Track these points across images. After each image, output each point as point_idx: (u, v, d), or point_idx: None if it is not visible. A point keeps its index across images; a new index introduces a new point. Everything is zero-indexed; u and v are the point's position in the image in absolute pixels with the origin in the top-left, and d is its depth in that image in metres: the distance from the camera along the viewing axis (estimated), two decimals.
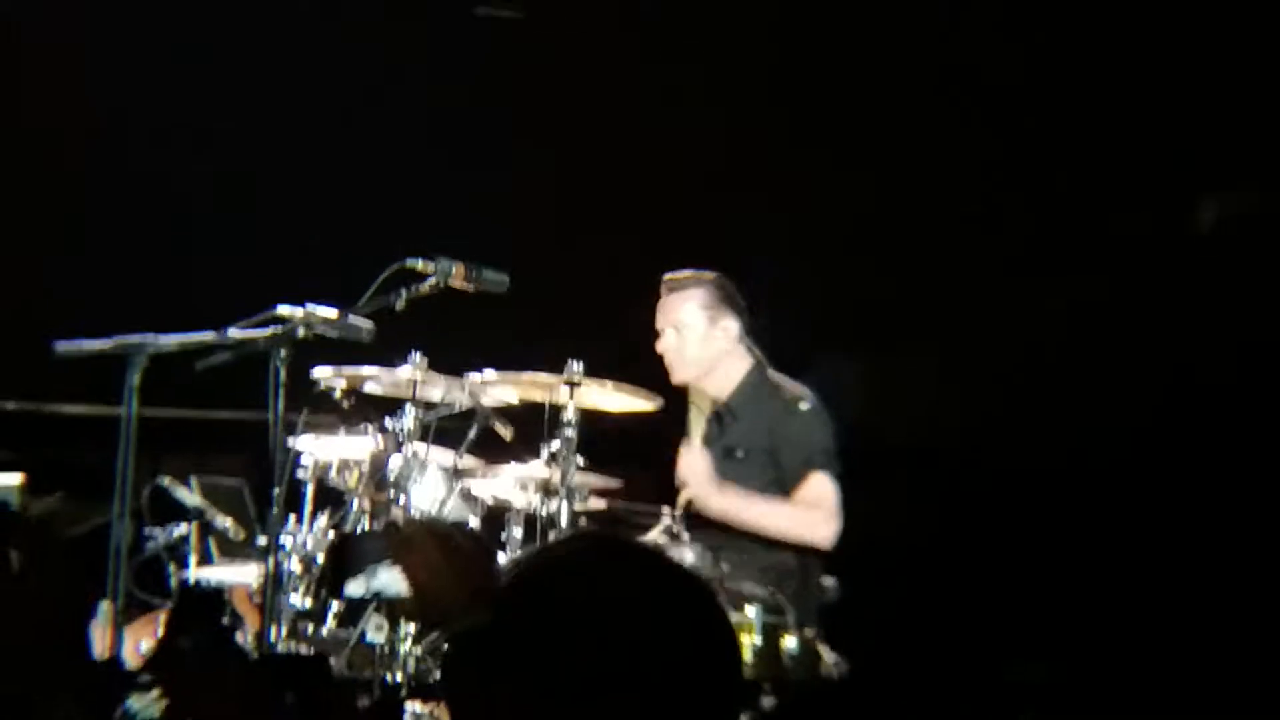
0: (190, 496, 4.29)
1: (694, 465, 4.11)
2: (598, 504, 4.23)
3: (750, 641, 3.84)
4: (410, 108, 5.57)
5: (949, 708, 4.54)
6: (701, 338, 4.26)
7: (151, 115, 5.46)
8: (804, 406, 4.21)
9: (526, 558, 1.96)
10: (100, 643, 3.71)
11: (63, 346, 4.02)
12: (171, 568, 4.20)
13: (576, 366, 4.11)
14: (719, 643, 1.63)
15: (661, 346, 4.29)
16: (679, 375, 4.29)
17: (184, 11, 5.49)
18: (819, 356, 4.37)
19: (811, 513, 4.10)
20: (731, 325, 4.28)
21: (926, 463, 5.12)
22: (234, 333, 3.97)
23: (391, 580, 3.77)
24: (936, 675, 4.50)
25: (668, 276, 4.33)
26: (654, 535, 4.11)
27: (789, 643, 3.83)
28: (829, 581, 4.19)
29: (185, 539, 4.23)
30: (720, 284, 4.30)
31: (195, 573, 4.21)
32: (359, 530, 4.04)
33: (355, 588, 3.88)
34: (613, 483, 4.24)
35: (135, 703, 3.49)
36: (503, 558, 4.14)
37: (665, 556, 1.77)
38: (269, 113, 5.45)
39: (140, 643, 4.07)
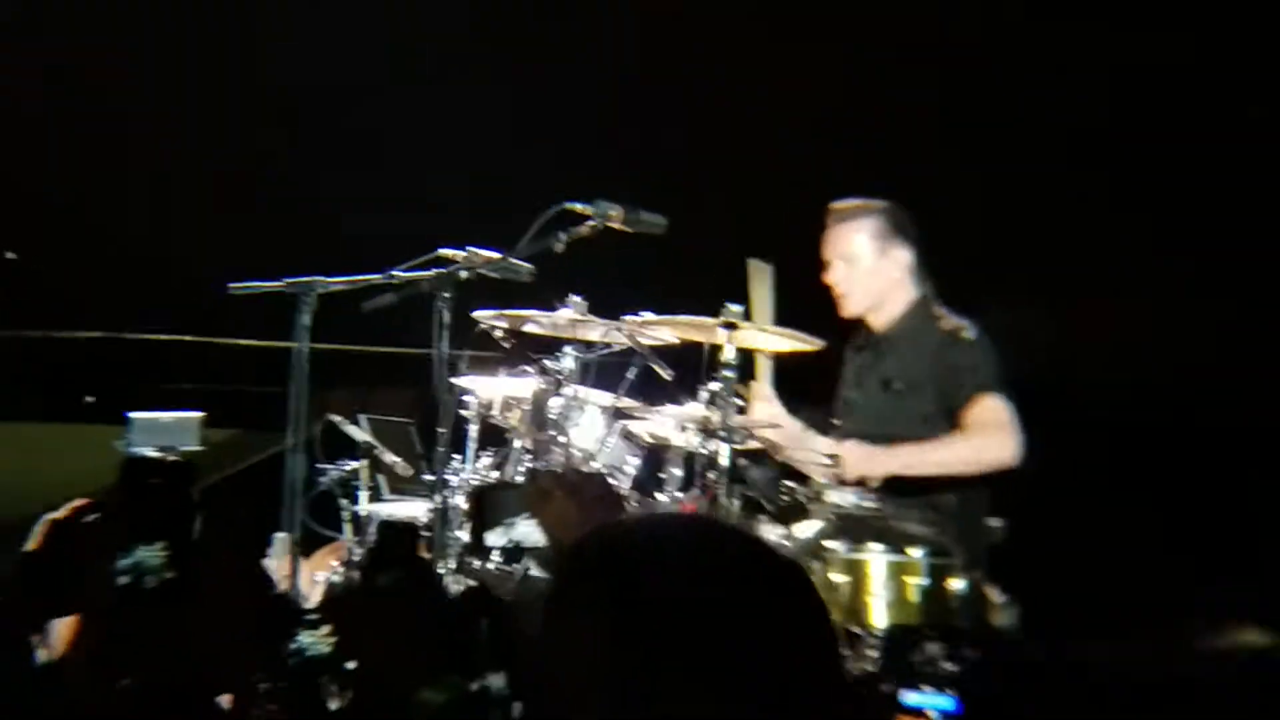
0: (360, 433, 4.21)
1: (851, 451, 3.84)
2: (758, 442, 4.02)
3: (916, 583, 3.62)
4: (567, 54, 5.35)
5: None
6: (871, 269, 4.01)
7: (310, 66, 5.34)
8: (968, 335, 3.94)
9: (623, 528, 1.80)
10: (277, 575, 3.65)
11: (235, 286, 3.95)
12: (343, 502, 4.12)
13: (735, 308, 3.90)
14: (812, 644, 1.43)
15: (830, 278, 4.05)
16: (849, 308, 4.06)
17: None
18: (986, 302, 4.04)
19: (989, 435, 3.82)
20: (903, 255, 4.02)
21: (1100, 403, 4.78)
22: (399, 274, 3.87)
23: (527, 530, 3.65)
24: (1109, 619, 4.21)
25: (835, 206, 4.07)
26: (815, 471, 3.90)
27: (956, 584, 3.61)
28: (995, 522, 3.93)
29: (356, 474, 4.16)
30: (891, 212, 4.03)
31: (366, 507, 4.13)
32: (497, 480, 3.92)
33: (493, 538, 3.79)
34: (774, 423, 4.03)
35: (307, 638, 3.41)
36: (661, 497, 3.99)
37: (763, 544, 1.56)
38: (427, 58, 5.29)
39: (315, 575, 4.02)
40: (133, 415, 4.29)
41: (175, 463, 4.17)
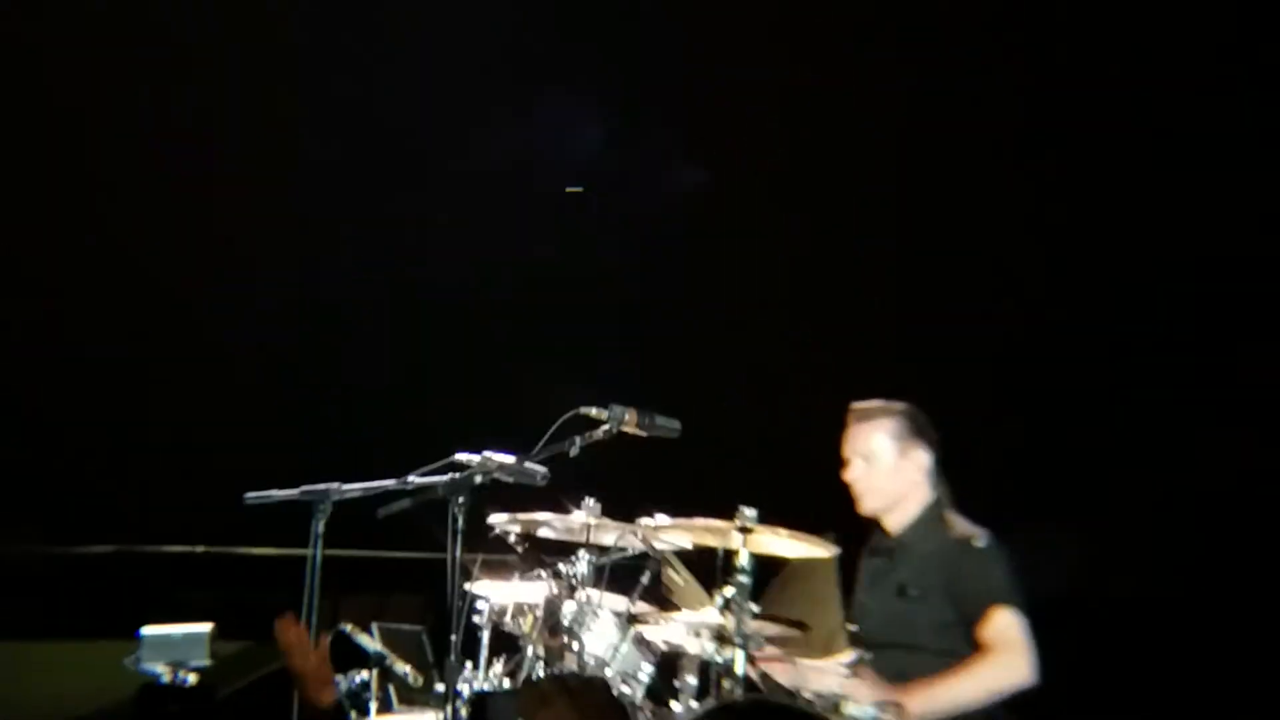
0: (371, 643, 4.10)
1: (864, 690, 3.73)
2: (772, 652, 3.90)
3: None
4: (580, 267, 5.52)
5: None
6: (891, 469, 4.00)
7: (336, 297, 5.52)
8: (979, 544, 3.88)
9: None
10: None
11: (252, 496, 3.92)
12: (353, 715, 3.98)
13: (749, 512, 3.84)
14: None
15: (849, 476, 4.04)
16: (867, 506, 4.05)
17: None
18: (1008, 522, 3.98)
19: (1003, 657, 3.73)
20: (922, 457, 4.01)
21: (1113, 610, 4.71)
22: (414, 479, 3.84)
23: None
24: None
25: (857, 405, 4.07)
26: (832, 682, 3.77)
27: None
28: None
29: (366, 685, 4.03)
30: (912, 415, 4.05)
31: None
32: (495, 687, 3.82)
33: None
34: (789, 630, 3.92)
35: None
36: (676, 706, 3.85)
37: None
38: (445, 273, 5.46)
39: None
40: (144, 631, 4.21)
41: (191, 688, 4.07)
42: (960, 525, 3.94)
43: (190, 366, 5.59)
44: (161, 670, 4.22)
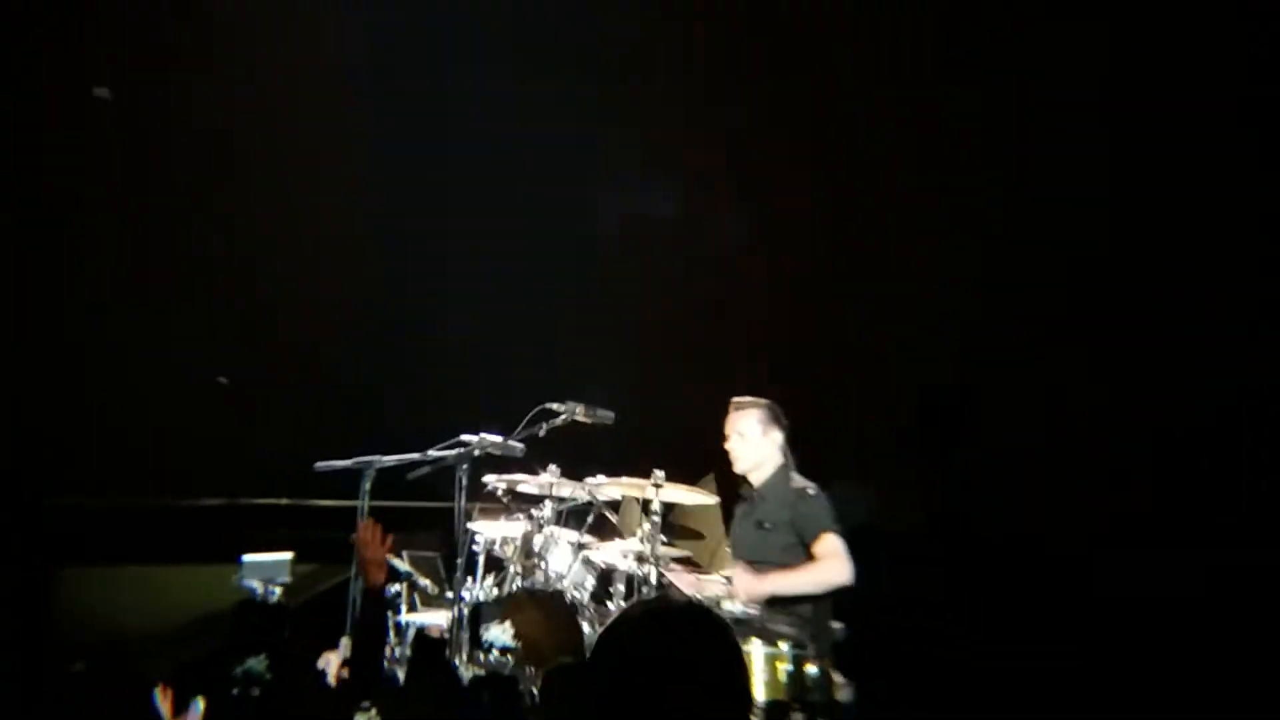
0: (402, 565, 5.64)
1: (741, 577, 5.30)
2: (677, 570, 5.52)
3: (784, 668, 4.99)
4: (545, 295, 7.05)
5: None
6: (756, 443, 5.57)
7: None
8: (811, 492, 5.46)
9: (617, 615, 2.48)
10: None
11: (320, 465, 5.49)
12: (389, 614, 5.53)
13: (660, 473, 5.43)
14: (735, 670, 2.30)
15: (728, 446, 5.61)
16: (738, 468, 5.64)
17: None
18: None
19: (830, 563, 5.29)
20: (778, 436, 5.58)
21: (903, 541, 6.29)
22: (432, 453, 5.40)
23: (502, 633, 4.73)
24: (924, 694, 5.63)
25: (734, 400, 5.65)
26: (716, 588, 5.38)
27: (811, 670, 4.95)
28: (837, 625, 5.38)
29: (398, 594, 5.57)
30: (771, 407, 5.62)
31: (406, 617, 5.57)
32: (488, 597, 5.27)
33: (479, 637, 5.00)
34: (688, 554, 5.53)
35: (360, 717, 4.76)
36: (610, 605, 5.44)
37: (701, 607, 2.41)
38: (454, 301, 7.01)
39: None
40: (244, 558, 5.75)
41: (271, 605, 5.60)
42: (799, 480, 5.55)
43: (279, 369, 7.15)
44: (257, 585, 5.77)
